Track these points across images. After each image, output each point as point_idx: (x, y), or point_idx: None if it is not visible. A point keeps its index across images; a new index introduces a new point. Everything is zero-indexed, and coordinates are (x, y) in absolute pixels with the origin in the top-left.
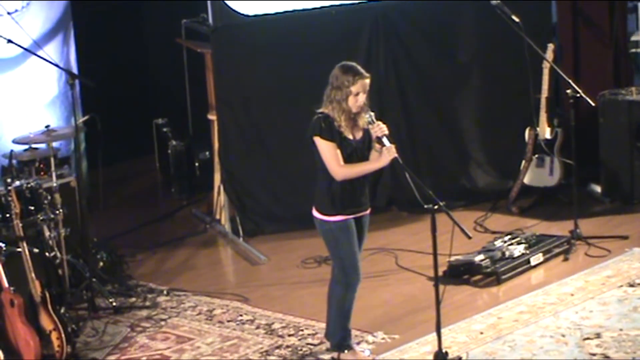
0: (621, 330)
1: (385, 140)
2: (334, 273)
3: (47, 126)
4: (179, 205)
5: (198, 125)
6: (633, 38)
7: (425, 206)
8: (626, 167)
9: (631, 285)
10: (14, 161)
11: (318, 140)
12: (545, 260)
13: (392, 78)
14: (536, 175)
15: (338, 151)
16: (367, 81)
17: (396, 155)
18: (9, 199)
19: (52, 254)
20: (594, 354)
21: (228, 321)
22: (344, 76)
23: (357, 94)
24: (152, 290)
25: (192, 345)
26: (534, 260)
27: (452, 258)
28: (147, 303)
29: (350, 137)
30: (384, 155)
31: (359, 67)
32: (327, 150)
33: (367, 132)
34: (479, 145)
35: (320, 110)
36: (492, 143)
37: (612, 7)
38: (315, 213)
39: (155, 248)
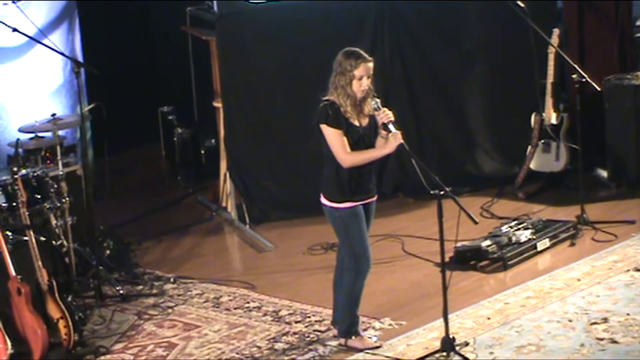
0: (628, 314)
1: (391, 126)
2: (341, 260)
3: (53, 114)
4: (185, 193)
5: (203, 113)
6: (638, 23)
7: (432, 192)
8: (632, 151)
9: (638, 270)
10: (20, 150)
11: (325, 128)
12: (552, 246)
13: (397, 65)
14: (542, 160)
15: (345, 138)
16: (370, 64)
17: (402, 141)
18: (16, 187)
19: (59, 243)
20: (601, 339)
21: (235, 308)
22: (346, 61)
23: (361, 78)
24: (159, 278)
25: (199, 332)
26: (541, 246)
27: (459, 244)
28: (154, 291)
29: (357, 123)
30: (390, 141)
31: (362, 52)
32: (334, 138)
33: (373, 119)
34: (485, 131)
35: (326, 97)
36: (498, 129)
37: None
38: (323, 200)
39: (161, 236)
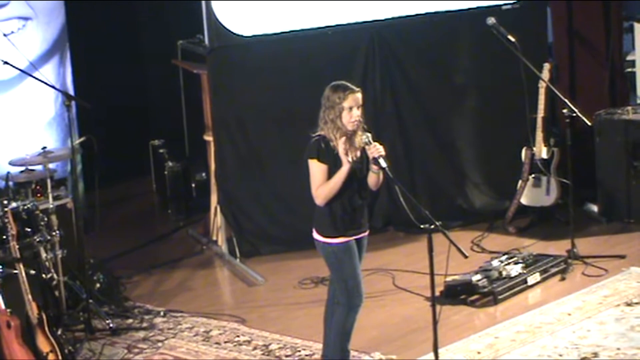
0: (619, 349)
1: (381, 160)
2: (332, 294)
3: (43, 148)
4: (175, 227)
5: (194, 147)
6: (629, 57)
7: (422, 226)
8: (623, 186)
9: (628, 305)
10: (10, 183)
11: (312, 163)
12: (543, 280)
13: (388, 98)
14: (533, 194)
15: (326, 177)
16: (359, 95)
17: (347, 156)
18: (6, 220)
19: (49, 276)
20: None
21: (225, 342)
22: (334, 94)
23: (351, 109)
24: (149, 311)
25: None
26: (531, 280)
27: (449, 278)
28: (144, 324)
29: (348, 157)
30: (343, 159)
31: (348, 83)
32: (319, 174)
33: (364, 152)
34: (476, 165)
35: (317, 133)
36: (488, 163)
37: (608, 26)
38: (316, 236)
39: (151, 269)
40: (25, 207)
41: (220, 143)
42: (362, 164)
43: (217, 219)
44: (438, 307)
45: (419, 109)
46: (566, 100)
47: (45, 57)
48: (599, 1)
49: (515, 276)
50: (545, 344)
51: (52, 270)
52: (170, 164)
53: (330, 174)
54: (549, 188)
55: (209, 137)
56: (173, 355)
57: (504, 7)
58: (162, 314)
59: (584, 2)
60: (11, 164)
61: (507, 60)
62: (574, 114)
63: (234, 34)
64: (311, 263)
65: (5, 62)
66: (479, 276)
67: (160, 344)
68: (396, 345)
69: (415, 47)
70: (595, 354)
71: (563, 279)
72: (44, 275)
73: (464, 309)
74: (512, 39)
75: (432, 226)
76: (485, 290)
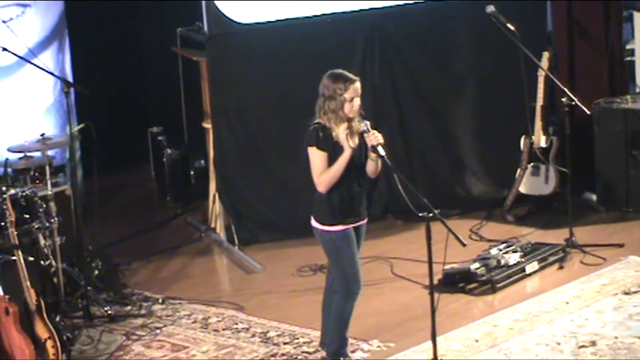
0: (616, 338)
1: (380, 149)
2: (330, 282)
3: (42, 134)
4: (174, 214)
5: (193, 134)
6: (628, 46)
7: (420, 214)
8: (621, 175)
9: (626, 293)
10: (9, 169)
11: (312, 150)
12: (541, 269)
13: (388, 86)
14: (531, 183)
15: (327, 164)
16: (358, 84)
17: (349, 146)
18: (4, 207)
19: (47, 263)
20: None
21: (223, 329)
22: (335, 85)
23: (352, 99)
24: (147, 298)
25: (187, 353)
26: (530, 269)
27: (448, 266)
28: (142, 311)
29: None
30: (345, 147)
31: (347, 73)
32: (319, 161)
33: (363, 139)
34: (474, 154)
35: (316, 121)
36: (487, 151)
37: (608, 15)
38: (314, 223)
39: (150, 256)
40: (24, 194)
41: (219, 130)
42: (360, 152)
43: (215, 207)
44: (436, 295)
45: (418, 98)
46: (565, 89)
47: (44, 44)
48: None
49: (514, 265)
50: (543, 332)
51: (51, 257)
52: (169, 151)
53: (329, 162)
54: (548, 177)
55: (207, 125)
56: (171, 342)
57: None
58: (160, 301)
59: None
60: (10, 150)
61: (506, 48)
62: (573, 103)
63: (233, 21)
64: (309, 251)
65: (4, 49)
66: (477, 264)
67: (158, 331)
68: (394, 333)
69: (415, 36)
70: (593, 343)
71: (561, 267)
72: (42, 262)
73: (462, 297)
74: (511, 27)
75: (431, 214)
76: (484, 278)
